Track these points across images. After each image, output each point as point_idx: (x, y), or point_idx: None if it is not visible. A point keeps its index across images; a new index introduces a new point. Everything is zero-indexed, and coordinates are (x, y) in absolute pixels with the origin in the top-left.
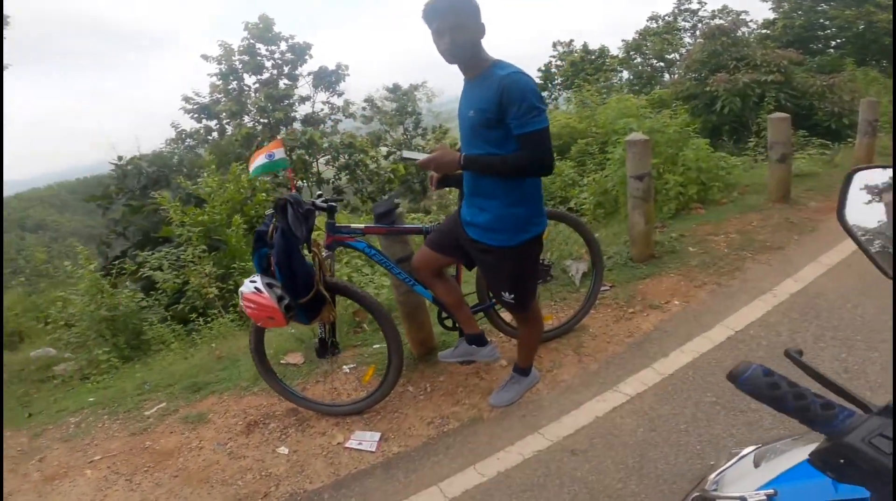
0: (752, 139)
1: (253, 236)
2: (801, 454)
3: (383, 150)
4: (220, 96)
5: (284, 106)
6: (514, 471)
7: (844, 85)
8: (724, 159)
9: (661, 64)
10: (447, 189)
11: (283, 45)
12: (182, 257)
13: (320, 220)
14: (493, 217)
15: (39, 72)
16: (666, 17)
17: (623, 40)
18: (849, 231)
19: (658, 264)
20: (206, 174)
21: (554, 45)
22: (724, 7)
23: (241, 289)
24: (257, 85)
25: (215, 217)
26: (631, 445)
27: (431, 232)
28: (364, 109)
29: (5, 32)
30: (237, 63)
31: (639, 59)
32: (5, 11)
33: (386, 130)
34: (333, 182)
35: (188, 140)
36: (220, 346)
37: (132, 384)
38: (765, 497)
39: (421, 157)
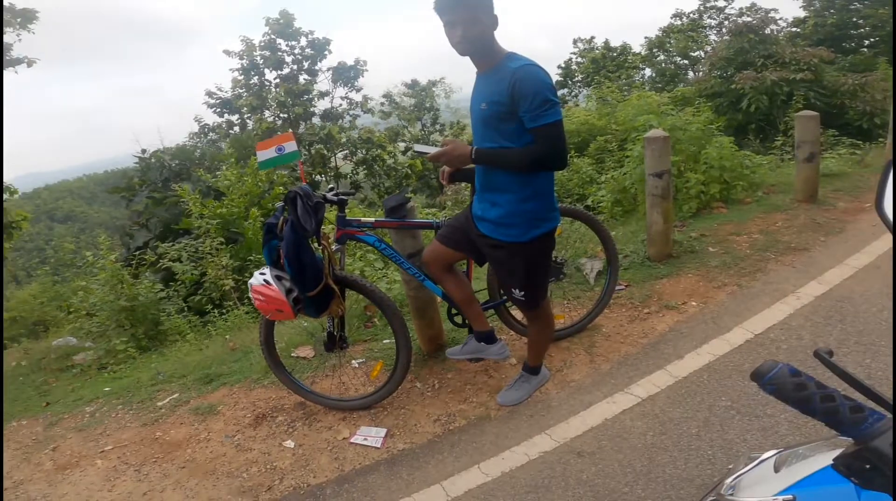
0: (779, 138)
1: (264, 229)
2: (825, 459)
3: (401, 145)
4: (241, 91)
5: (304, 101)
6: (518, 471)
7: (877, 84)
8: (748, 158)
9: (685, 61)
10: (462, 185)
11: (303, 41)
12: (200, 249)
13: (331, 213)
14: (505, 212)
15: (70, 66)
16: (691, 15)
17: (646, 37)
18: (886, 222)
19: (676, 264)
20: (225, 168)
21: (574, 41)
22: (753, 5)
23: (251, 281)
24: (277, 80)
25: (233, 210)
26: (640, 448)
27: (443, 227)
28: (382, 104)
29: (35, 27)
30: (258, 58)
31: (662, 57)
32: (35, 6)
33: (404, 125)
34: (351, 177)
35: (210, 134)
36: (233, 338)
37: (147, 375)
38: None
39: (432, 150)
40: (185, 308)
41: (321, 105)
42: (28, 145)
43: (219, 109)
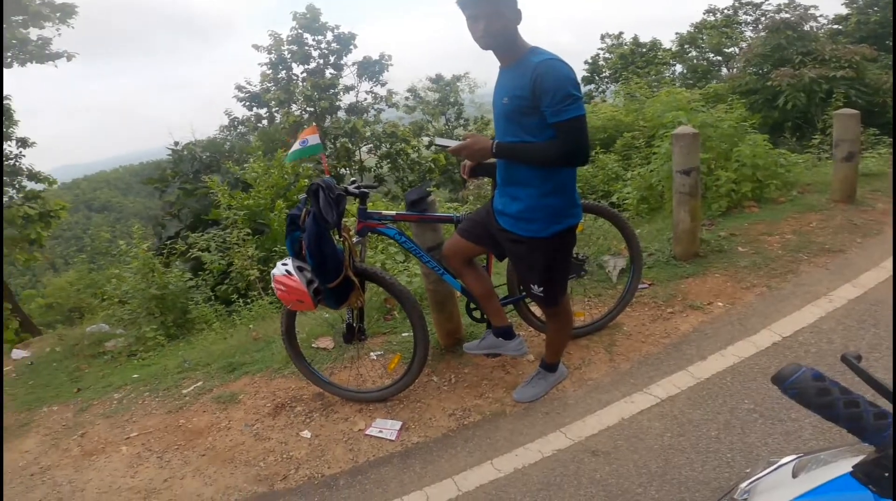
0: (816, 136)
1: (287, 220)
2: (846, 465)
3: (425, 140)
4: (269, 85)
5: (329, 95)
6: (531, 469)
7: None
8: (784, 156)
9: (719, 58)
10: (485, 180)
11: (329, 36)
12: (228, 239)
13: (353, 206)
14: (526, 207)
15: (107, 60)
16: (725, 11)
17: (677, 33)
18: None
19: (703, 264)
20: (252, 160)
21: (602, 37)
22: (791, 1)
23: (274, 271)
24: (304, 74)
25: (260, 202)
26: (656, 449)
27: (463, 221)
28: (407, 99)
29: (73, 22)
30: (286, 53)
31: (693, 53)
32: (73, 1)
33: (428, 120)
34: (375, 170)
35: (240, 127)
36: (257, 327)
37: (174, 362)
38: None
39: (453, 144)
40: (213, 297)
41: (346, 99)
42: (67, 137)
43: (248, 103)
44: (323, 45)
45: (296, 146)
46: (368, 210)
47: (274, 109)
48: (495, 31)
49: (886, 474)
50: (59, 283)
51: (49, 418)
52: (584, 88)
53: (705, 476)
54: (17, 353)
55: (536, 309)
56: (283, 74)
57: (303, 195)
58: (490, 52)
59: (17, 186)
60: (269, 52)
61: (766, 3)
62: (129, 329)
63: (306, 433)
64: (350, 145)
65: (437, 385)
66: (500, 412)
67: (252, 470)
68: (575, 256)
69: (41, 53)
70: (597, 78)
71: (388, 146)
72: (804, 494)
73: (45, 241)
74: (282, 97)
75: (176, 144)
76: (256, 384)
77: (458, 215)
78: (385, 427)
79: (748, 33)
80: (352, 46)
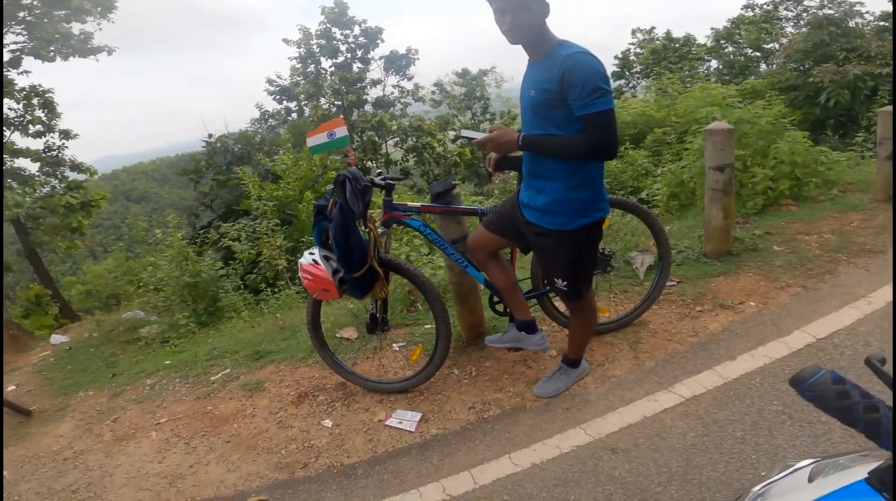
0: (860, 134)
1: (314, 211)
2: (864, 471)
3: (450, 134)
4: (299, 79)
5: (357, 89)
6: (549, 464)
7: None
8: (824, 154)
9: (757, 53)
10: (510, 174)
11: (357, 30)
12: (258, 229)
13: (379, 198)
14: (552, 200)
15: (144, 55)
16: (764, 6)
17: (712, 28)
18: None
19: (735, 262)
20: (282, 152)
21: (633, 32)
22: None
23: (301, 261)
24: (332, 68)
25: (289, 193)
26: (678, 449)
27: (488, 213)
28: (433, 93)
29: (114, 17)
30: (314, 47)
31: (730, 49)
32: None
33: (454, 114)
34: (401, 164)
35: (270, 120)
36: (284, 316)
37: (204, 349)
38: None
39: (479, 135)
40: (242, 286)
41: (373, 93)
42: (108, 130)
43: (278, 97)
44: (350, 40)
45: (322, 139)
46: (394, 202)
47: (303, 103)
48: (522, 25)
49: None
50: (98, 270)
51: (84, 402)
52: (613, 83)
53: (728, 476)
54: (57, 338)
55: (560, 304)
56: (311, 67)
57: (330, 186)
58: (517, 48)
59: (59, 176)
60: (299, 47)
61: None
62: (162, 316)
63: (327, 423)
64: (376, 139)
65: (457, 378)
66: (520, 407)
67: (274, 458)
68: (601, 251)
69: (83, 48)
70: (627, 73)
71: (414, 140)
72: (818, 499)
73: (86, 229)
74: (311, 91)
75: (210, 136)
76: (281, 373)
77: (482, 207)
78: (405, 419)
79: (789, 29)
80: (379, 41)
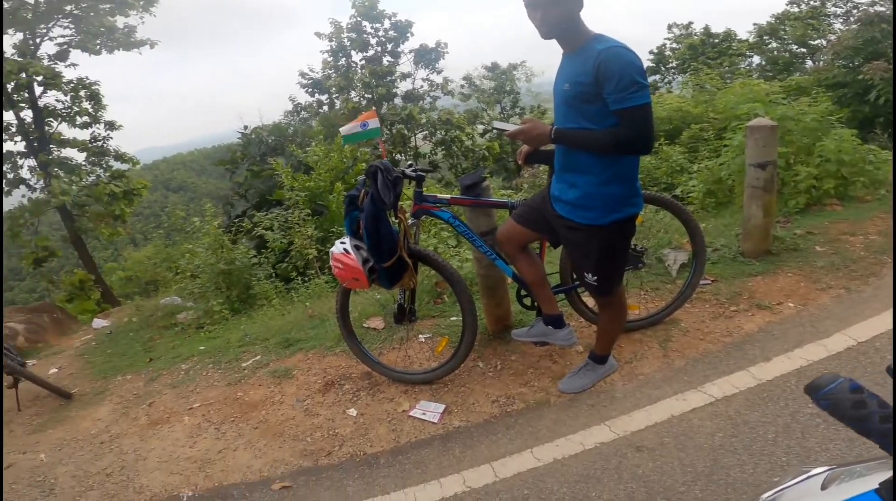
0: None
1: (346, 201)
2: (878, 480)
3: (479, 127)
4: (330, 72)
5: (387, 82)
6: (571, 460)
7: None
8: (873, 153)
9: (803, 50)
10: (539, 168)
11: (387, 23)
12: (290, 219)
13: (408, 190)
14: (584, 194)
15: (182, 48)
16: (811, 2)
17: (755, 24)
18: None
19: (774, 262)
20: (314, 144)
21: (669, 27)
22: None
23: (332, 249)
24: (363, 62)
25: (320, 184)
26: (705, 449)
27: (518, 206)
28: (462, 87)
29: (156, 10)
30: (345, 40)
31: (774, 45)
32: None
33: (483, 108)
34: (429, 157)
35: (303, 113)
36: (313, 305)
37: (237, 336)
38: None
39: (511, 127)
40: (273, 275)
41: (403, 86)
42: (149, 122)
43: (310, 89)
44: (381, 33)
45: (356, 129)
46: (424, 193)
47: (334, 96)
48: (553, 20)
49: None
50: (138, 257)
51: (122, 386)
52: (648, 79)
53: (756, 478)
54: (98, 322)
55: (589, 300)
56: (342, 61)
57: (362, 177)
58: (548, 42)
59: (104, 165)
60: (330, 40)
61: None
62: (198, 302)
63: (352, 412)
64: (406, 132)
65: (482, 371)
66: (545, 402)
67: (299, 445)
68: (633, 247)
69: (127, 41)
70: (662, 68)
71: (442, 133)
72: None
73: (128, 217)
74: (342, 84)
75: (245, 128)
76: (310, 361)
77: (512, 200)
78: (428, 410)
79: (837, 25)
80: (408, 34)
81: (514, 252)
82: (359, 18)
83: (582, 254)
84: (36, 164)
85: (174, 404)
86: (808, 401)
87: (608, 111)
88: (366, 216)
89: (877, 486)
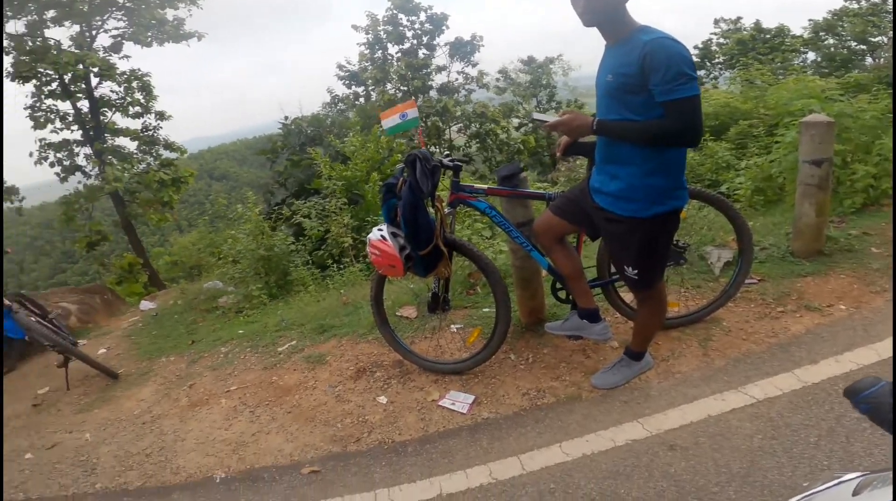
0: None
1: (384, 189)
2: None
3: (514, 121)
4: (367, 64)
5: (422, 75)
6: (601, 456)
7: None
8: None
9: (862, 46)
10: (576, 161)
11: (423, 16)
12: (327, 207)
13: (444, 181)
14: (627, 186)
15: (226, 42)
16: None
17: (810, 20)
18: None
19: (826, 263)
20: (351, 135)
21: (716, 21)
22: None
23: (369, 236)
24: (399, 54)
25: (356, 173)
26: (742, 450)
27: (556, 198)
28: (497, 80)
29: (202, 2)
30: (382, 33)
31: (831, 41)
32: None
33: (518, 101)
34: (464, 149)
35: (340, 104)
36: (347, 292)
37: (274, 321)
38: None
39: (551, 119)
40: (310, 262)
41: (438, 79)
42: (194, 112)
43: (347, 81)
44: (416, 26)
45: (395, 119)
46: (461, 183)
47: (370, 88)
48: (597, 9)
49: None
50: (183, 242)
51: (166, 368)
52: None
53: (794, 481)
54: (145, 304)
55: (626, 295)
56: (378, 53)
57: (400, 165)
58: (586, 38)
59: (154, 154)
60: (367, 33)
61: None
62: (238, 287)
63: (382, 399)
64: (440, 124)
65: (513, 363)
66: (576, 397)
67: (329, 430)
68: (675, 242)
69: (176, 33)
70: (708, 63)
71: (477, 126)
72: None
73: (175, 204)
74: (378, 76)
75: (286, 118)
76: (343, 347)
77: (550, 192)
78: (458, 400)
79: None
80: (444, 27)
81: (551, 244)
82: (395, 11)
83: (622, 247)
84: (91, 152)
85: (213, 386)
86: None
87: (653, 103)
88: (404, 204)
89: None
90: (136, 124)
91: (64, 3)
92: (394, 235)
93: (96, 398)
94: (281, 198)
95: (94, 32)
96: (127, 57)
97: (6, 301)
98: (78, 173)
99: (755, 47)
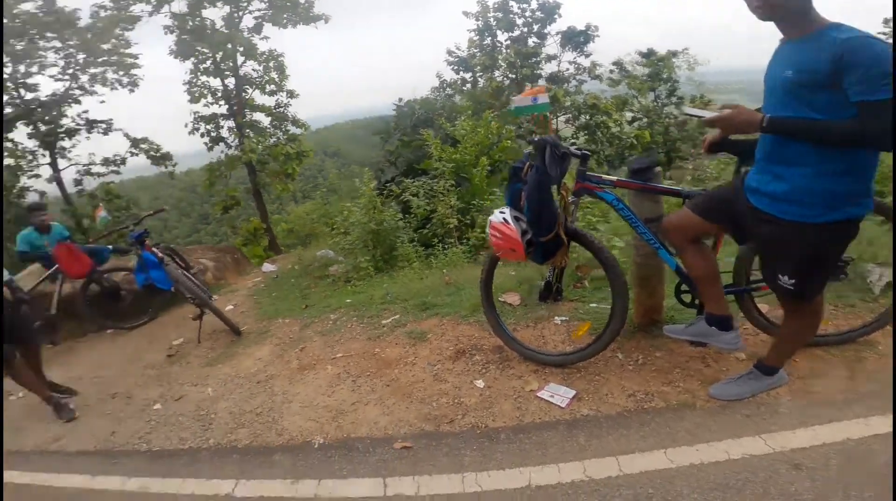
0: None
1: (504, 175)
2: None
3: (628, 115)
4: (475, 51)
5: (531, 63)
6: (710, 467)
7: None
8: None
9: None
10: (705, 161)
11: (534, 4)
12: (435, 188)
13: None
14: (792, 188)
15: (344, 24)
16: None
17: None
18: None
19: None
20: (462, 118)
21: (885, 21)
22: None
23: (491, 218)
24: (508, 42)
25: (465, 157)
26: (881, 476)
27: (696, 196)
28: (611, 72)
29: None
30: (491, 20)
31: None
32: None
33: (633, 94)
34: (570, 140)
35: (447, 89)
36: (450, 272)
37: (379, 293)
38: None
39: (708, 114)
40: (414, 239)
41: (548, 68)
42: (312, 92)
43: (456, 67)
44: (527, 14)
45: (527, 102)
46: (588, 172)
47: (478, 74)
48: (776, 1)
49: None
50: (298, 212)
51: (282, 329)
52: None
53: None
54: (267, 267)
55: (763, 305)
56: (488, 40)
57: (528, 150)
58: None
59: (283, 129)
60: (477, 19)
61: None
62: (347, 258)
63: (480, 383)
64: (548, 114)
65: (621, 362)
66: (689, 404)
67: (425, 408)
68: None
69: (307, 16)
70: None
71: (587, 117)
72: None
73: (297, 176)
74: (486, 63)
75: (400, 100)
76: (444, 327)
77: (686, 189)
78: (558, 393)
79: None
80: (556, 16)
81: (684, 243)
82: None
83: (778, 253)
84: (234, 125)
85: (321, 352)
86: None
87: (844, 102)
88: (529, 189)
89: None
90: (270, 101)
91: None
92: (516, 219)
93: (221, 353)
94: (390, 176)
95: (240, 13)
96: (266, 38)
97: (158, 253)
98: (221, 144)
99: None
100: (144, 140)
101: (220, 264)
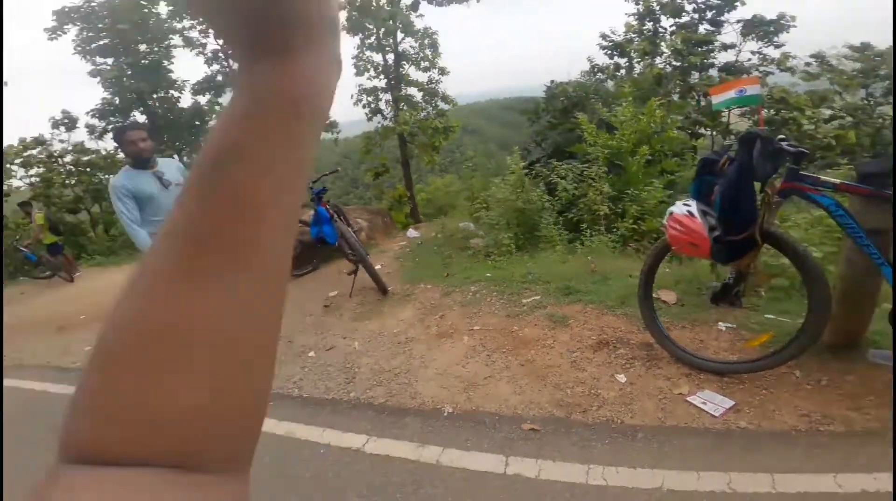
0: None
1: (664, 165)
2: None
3: (826, 112)
4: (633, 36)
5: (702, 51)
6: (885, 497)
7: None
8: None
9: None
10: None
11: None
12: (586, 173)
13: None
14: None
15: (497, 6)
16: None
17: None
18: None
19: None
20: (623, 104)
21: None
22: None
23: (672, 209)
24: (674, 28)
25: (622, 144)
26: None
27: None
28: (807, 65)
29: None
30: (654, 4)
31: None
32: None
33: (837, 91)
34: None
35: (599, 74)
36: (595, 260)
37: (520, 271)
38: None
39: None
40: (559, 222)
41: (722, 57)
42: (457, 69)
43: (609, 51)
44: (700, 0)
45: (731, 94)
46: (802, 172)
47: (635, 60)
48: None
49: None
50: (437, 184)
51: (424, 294)
52: None
53: None
54: (412, 233)
55: None
56: (649, 25)
57: (728, 142)
58: None
59: (433, 104)
60: (637, 3)
61: None
62: (488, 233)
63: (621, 377)
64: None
65: (797, 381)
66: (877, 433)
67: (558, 394)
68: None
69: None
70: None
71: (772, 112)
72: None
73: (442, 149)
74: (646, 48)
75: (552, 82)
76: (587, 315)
77: None
78: (712, 401)
79: None
80: (736, 3)
81: None
82: None
83: None
84: (391, 98)
85: (459, 322)
86: None
87: None
88: (726, 184)
89: None
90: (423, 77)
91: None
92: (703, 213)
93: (369, 309)
94: (536, 157)
95: None
96: (421, 16)
97: (330, 210)
98: (378, 115)
99: None
100: None
101: (372, 225)
